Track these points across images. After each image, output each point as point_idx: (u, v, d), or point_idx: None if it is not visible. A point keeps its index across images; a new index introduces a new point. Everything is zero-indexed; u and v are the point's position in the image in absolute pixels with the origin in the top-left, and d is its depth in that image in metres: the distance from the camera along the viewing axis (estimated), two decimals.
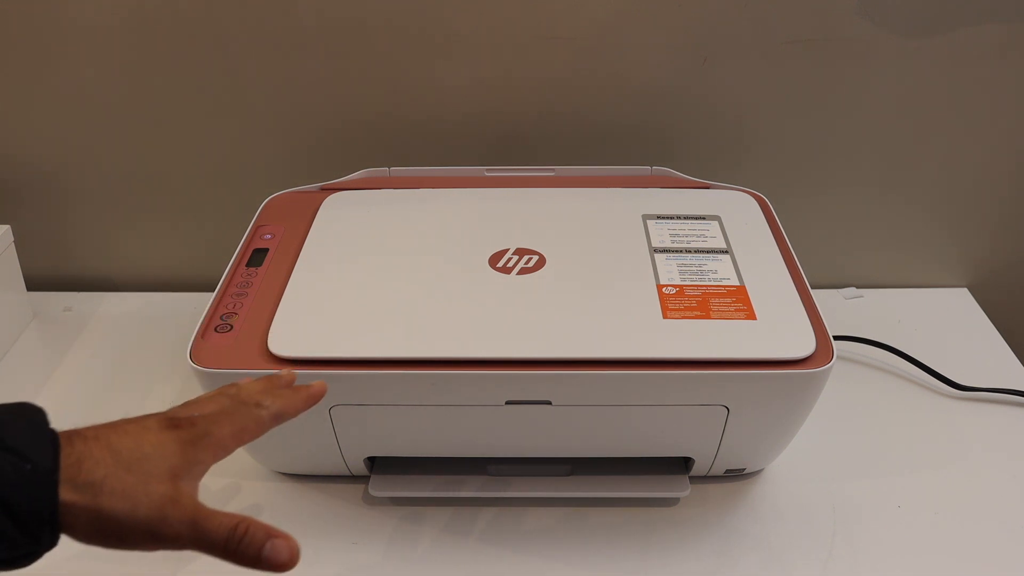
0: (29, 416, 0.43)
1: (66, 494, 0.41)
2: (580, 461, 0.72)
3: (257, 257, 0.72)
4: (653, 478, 0.71)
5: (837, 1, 0.81)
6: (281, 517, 0.70)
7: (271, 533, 0.43)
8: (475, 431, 0.66)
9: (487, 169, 0.83)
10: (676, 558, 0.67)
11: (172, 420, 0.46)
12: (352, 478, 0.73)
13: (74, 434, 0.43)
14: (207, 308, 0.67)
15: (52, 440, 0.42)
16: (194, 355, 0.62)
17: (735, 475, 0.73)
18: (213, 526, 0.43)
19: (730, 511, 0.71)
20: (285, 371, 0.55)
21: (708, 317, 0.63)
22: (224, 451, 0.47)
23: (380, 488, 0.70)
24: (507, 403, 0.62)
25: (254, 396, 0.50)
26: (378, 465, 0.72)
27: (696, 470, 0.71)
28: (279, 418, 0.51)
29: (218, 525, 0.43)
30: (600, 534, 0.69)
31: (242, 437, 0.48)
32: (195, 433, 0.46)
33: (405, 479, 0.71)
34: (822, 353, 0.61)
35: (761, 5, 0.81)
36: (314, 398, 0.53)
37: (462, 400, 0.63)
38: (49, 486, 0.40)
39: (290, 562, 0.43)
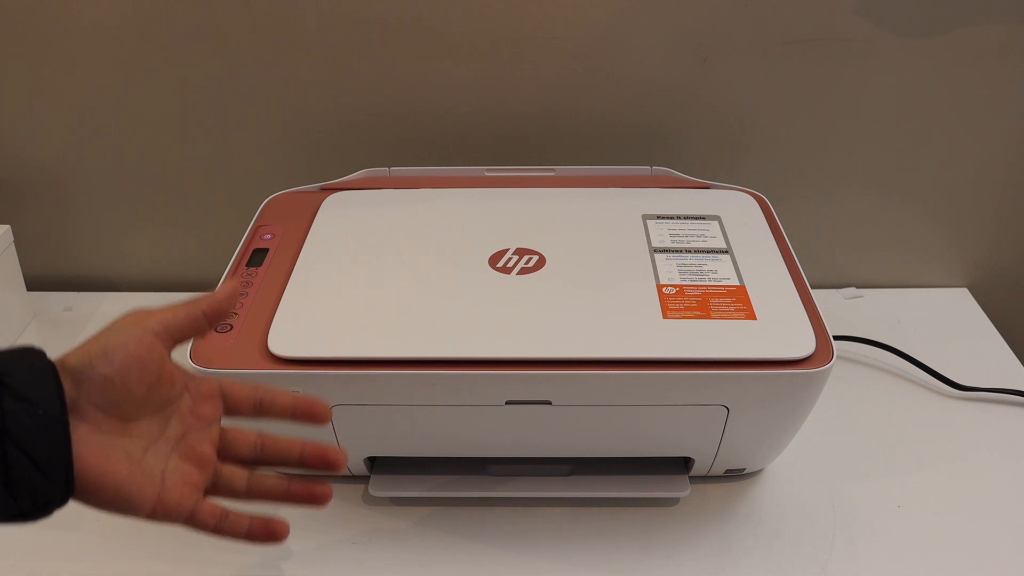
0: (33, 362, 0.44)
1: (69, 362, 0.44)
2: (580, 461, 0.72)
3: (257, 257, 0.72)
4: (653, 478, 0.71)
5: (837, 1, 0.81)
6: (281, 517, 0.70)
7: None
8: (475, 431, 0.66)
9: (487, 169, 0.83)
10: (676, 558, 0.67)
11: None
12: (352, 478, 0.73)
13: (64, 362, 0.45)
14: None
15: (56, 385, 0.43)
16: (194, 355, 0.62)
17: (735, 475, 0.73)
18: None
19: (730, 511, 0.71)
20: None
21: (708, 317, 0.63)
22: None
23: (380, 488, 0.71)
24: (507, 403, 0.63)
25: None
26: (378, 465, 0.72)
27: (696, 470, 0.71)
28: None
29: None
30: (600, 534, 0.69)
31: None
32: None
33: (405, 479, 0.71)
34: (822, 353, 0.61)
35: (761, 5, 0.81)
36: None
37: (462, 400, 0.63)
38: (61, 429, 0.42)
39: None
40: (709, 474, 0.72)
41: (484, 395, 0.62)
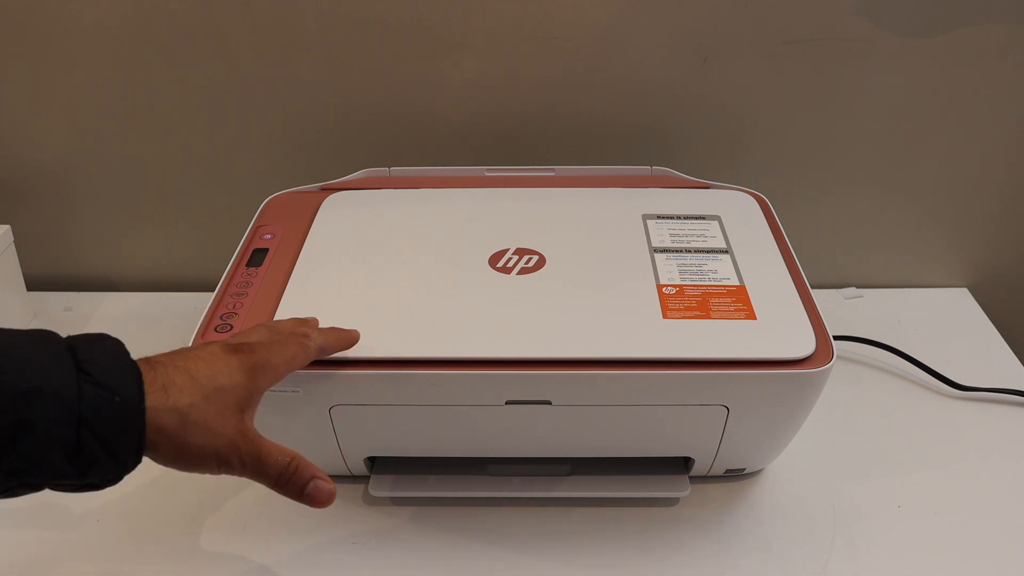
0: (110, 348, 0.46)
1: (153, 417, 0.45)
2: (580, 461, 0.72)
3: (257, 257, 0.72)
4: (653, 478, 0.71)
5: (837, 1, 0.81)
6: (281, 517, 0.70)
7: (315, 475, 0.51)
8: (475, 431, 0.66)
9: (487, 169, 0.83)
10: (676, 558, 0.67)
11: (233, 346, 0.52)
12: (352, 478, 0.73)
13: (153, 362, 0.47)
14: (207, 308, 0.67)
15: (135, 372, 0.45)
16: None
17: (735, 475, 0.73)
18: (271, 462, 0.50)
19: (730, 511, 0.71)
20: (314, 318, 0.61)
21: (708, 317, 0.63)
22: (277, 378, 0.53)
23: (380, 488, 0.70)
24: (507, 403, 0.63)
25: (300, 327, 0.58)
26: (378, 465, 0.72)
27: (696, 470, 0.71)
28: (323, 351, 0.58)
29: (275, 462, 0.50)
30: (600, 534, 0.69)
31: (292, 364, 0.55)
32: (255, 360, 0.52)
33: (405, 479, 0.71)
34: (822, 353, 0.61)
35: (761, 5, 0.81)
36: (350, 341, 0.60)
37: (462, 400, 0.63)
38: (137, 416, 0.44)
39: (327, 502, 0.51)
40: (709, 474, 0.72)
41: (484, 395, 0.62)
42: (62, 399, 0.42)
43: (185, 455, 0.47)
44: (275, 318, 0.64)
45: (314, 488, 0.51)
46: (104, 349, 0.46)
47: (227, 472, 0.49)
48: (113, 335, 0.48)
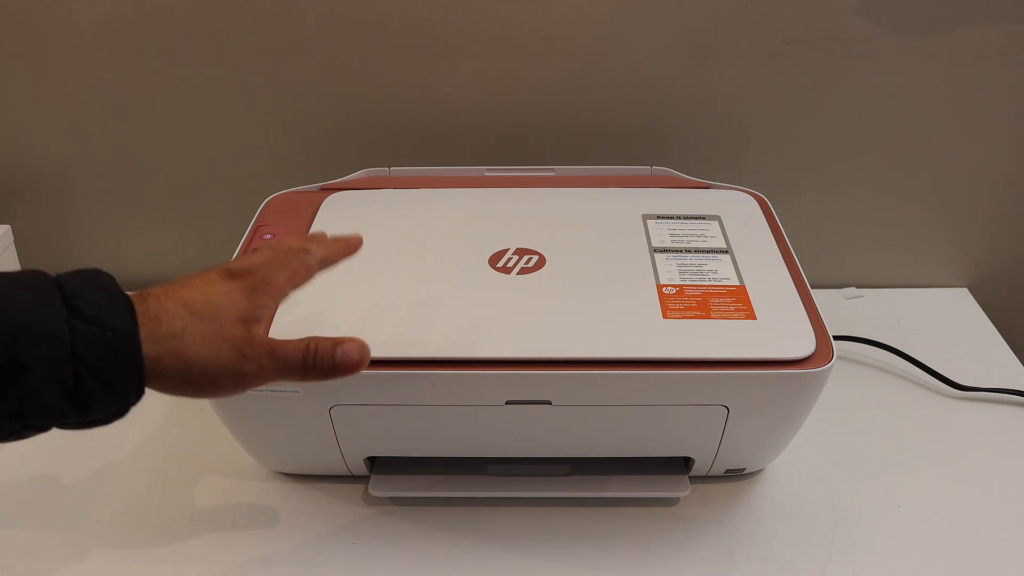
0: (101, 284, 0.46)
1: (150, 348, 0.44)
2: (580, 461, 0.72)
3: None
4: (653, 478, 0.71)
5: (837, 1, 0.81)
6: (281, 517, 0.70)
7: (337, 341, 0.50)
8: (475, 431, 0.66)
9: (487, 169, 0.83)
10: (676, 558, 0.67)
11: (231, 271, 0.50)
12: (352, 478, 0.73)
13: (146, 294, 0.47)
14: None
15: (126, 303, 0.45)
16: None
17: (735, 475, 0.73)
18: (288, 351, 0.49)
19: (730, 511, 0.71)
20: (320, 230, 0.60)
21: (708, 317, 0.63)
22: (282, 295, 0.52)
23: (380, 488, 0.70)
24: (507, 403, 0.62)
25: (300, 243, 0.55)
26: (378, 465, 0.72)
27: (696, 470, 0.71)
28: (324, 263, 0.56)
29: (292, 349, 0.49)
30: (600, 534, 0.69)
31: (295, 281, 0.53)
32: (255, 280, 0.50)
33: (405, 479, 0.71)
34: (822, 353, 0.61)
35: (761, 5, 0.81)
36: (352, 247, 0.58)
37: (462, 400, 0.63)
38: (132, 347, 0.44)
39: (362, 359, 0.50)
40: (709, 474, 0.72)
41: (484, 395, 0.62)
42: (53, 337, 0.42)
43: (192, 378, 0.46)
44: (275, 318, 0.64)
45: (343, 355, 0.49)
46: (93, 284, 0.45)
47: (245, 384, 0.48)
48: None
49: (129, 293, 0.46)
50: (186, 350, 0.45)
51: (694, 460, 0.70)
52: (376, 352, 0.61)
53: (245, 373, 0.48)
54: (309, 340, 0.49)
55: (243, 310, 0.49)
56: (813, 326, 0.63)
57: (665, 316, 0.64)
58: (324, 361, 0.49)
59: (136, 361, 0.44)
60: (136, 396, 0.45)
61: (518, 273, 0.68)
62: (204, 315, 0.47)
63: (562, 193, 0.79)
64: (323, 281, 0.68)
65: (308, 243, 0.55)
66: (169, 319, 0.46)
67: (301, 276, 0.54)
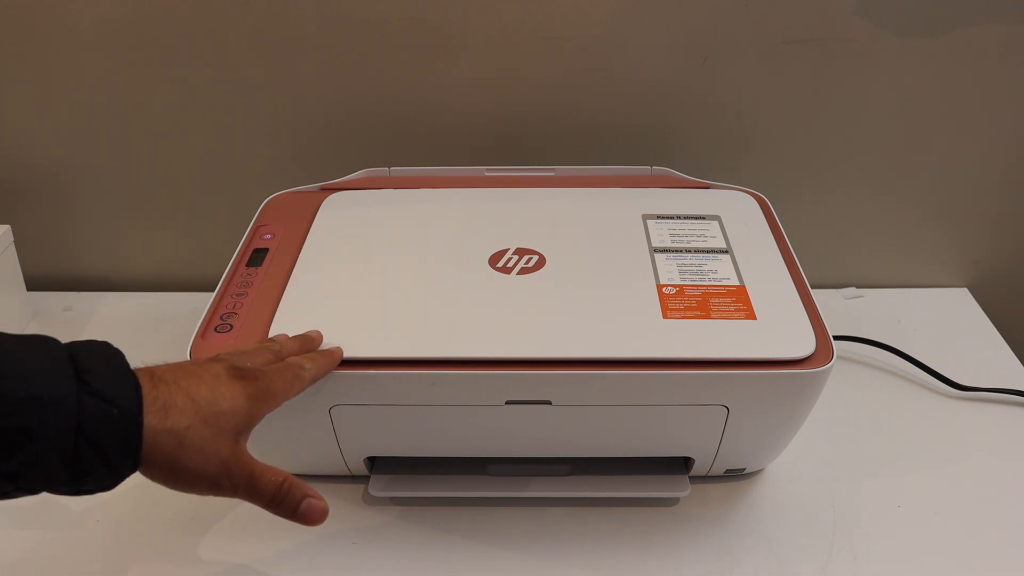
0: (111, 359, 0.47)
1: (149, 438, 0.45)
2: (580, 461, 0.72)
3: (257, 257, 0.72)
4: (653, 478, 0.71)
5: (837, 1, 0.81)
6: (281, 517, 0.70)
7: (307, 493, 0.52)
8: (475, 431, 0.66)
9: (487, 169, 0.83)
10: (676, 558, 0.67)
11: (238, 370, 0.53)
12: (352, 478, 0.73)
13: (156, 377, 0.47)
14: (207, 308, 0.67)
15: (135, 384, 0.46)
16: (194, 355, 0.62)
17: (735, 475, 0.73)
18: (265, 483, 0.50)
19: (730, 511, 0.71)
20: (315, 331, 0.62)
21: (708, 317, 0.63)
22: (275, 406, 0.54)
23: (380, 488, 0.70)
24: (507, 403, 0.63)
25: (297, 357, 0.58)
26: (378, 465, 0.72)
27: (696, 470, 0.71)
28: (315, 380, 0.58)
29: (268, 482, 0.51)
30: (600, 534, 0.69)
31: (289, 394, 0.55)
32: (258, 389, 0.52)
33: (405, 479, 0.71)
34: (822, 353, 0.61)
35: (761, 5, 0.81)
36: (335, 362, 0.60)
37: (462, 400, 0.63)
38: (135, 429, 0.45)
39: (320, 520, 0.52)
40: (709, 474, 0.72)
41: (484, 395, 0.62)
42: (62, 408, 0.42)
43: (177, 476, 0.48)
44: (275, 318, 0.64)
45: (307, 507, 0.52)
46: (105, 359, 0.46)
47: (217, 494, 0.50)
48: (113, 342, 0.48)
49: (136, 368, 0.47)
50: (179, 453, 0.47)
51: (694, 460, 0.70)
52: (376, 352, 0.61)
53: (222, 488, 0.50)
54: (284, 479, 0.51)
55: (240, 421, 0.51)
56: (813, 326, 0.63)
57: (665, 316, 0.64)
58: (289, 505, 0.51)
59: (136, 441, 0.45)
60: (129, 472, 0.46)
61: (518, 273, 0.68)
62: (207, 417, 0.48)
63: (562, 193, 0.79)
64: (323, 281, 0.68)
65: (304, 359, 0.58)
66: (176, 413, 0.47)
67: (295, 389, 0.56)
